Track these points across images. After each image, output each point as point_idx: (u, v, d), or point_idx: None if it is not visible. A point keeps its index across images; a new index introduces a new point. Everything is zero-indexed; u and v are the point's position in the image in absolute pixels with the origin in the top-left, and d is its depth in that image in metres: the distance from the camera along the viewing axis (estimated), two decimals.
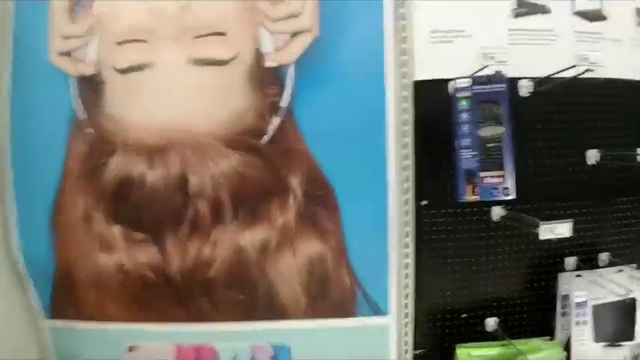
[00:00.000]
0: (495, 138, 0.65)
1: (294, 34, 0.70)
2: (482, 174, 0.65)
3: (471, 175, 0.66)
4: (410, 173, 0.72)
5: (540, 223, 0.61)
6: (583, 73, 0.62)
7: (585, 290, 0.72)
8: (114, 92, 0.72)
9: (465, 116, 0.66)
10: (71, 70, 0.72)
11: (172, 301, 0.75)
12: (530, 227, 0.64)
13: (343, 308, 0.75)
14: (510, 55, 0.70)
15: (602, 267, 0.75)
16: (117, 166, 0.72)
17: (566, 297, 0.73)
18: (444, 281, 0.75)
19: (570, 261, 0.74)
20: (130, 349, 0.79)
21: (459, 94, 0.67)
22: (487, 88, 0.66)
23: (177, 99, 0.71)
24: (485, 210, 0.72)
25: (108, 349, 0.79)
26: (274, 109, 0.70)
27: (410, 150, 0.72)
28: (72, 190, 0.74)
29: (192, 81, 0.70)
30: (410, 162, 0.72)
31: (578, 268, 0.74)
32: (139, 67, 0.70)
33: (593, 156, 0.73)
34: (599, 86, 0.71)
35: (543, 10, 0.71)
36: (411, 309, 0.76)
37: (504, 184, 0.66)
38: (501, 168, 0.65)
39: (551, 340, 0.77)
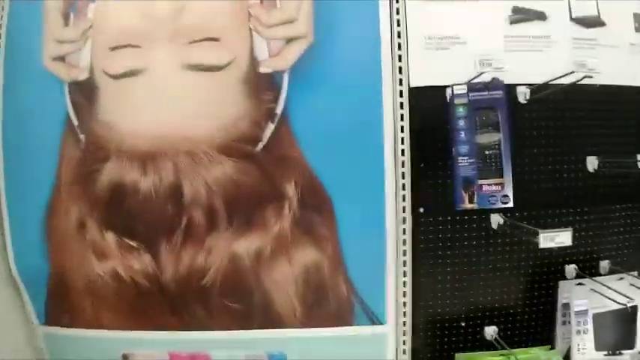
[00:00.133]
0: (493, 145, 0.65)
1: (289, 40, 0.69)
2: (480, 182, 0.65)
3: (469, 183, 0.65)
4: (407, 180, 0.71)
5: (540, 231, 0.61)
6: (581, 79, 0.62)
7: (586, 299, 0.71)
8: (107, 98, 0.71)
9: (462, 123, 0.66)
10: (64, 75, 0.72)
11: (166, 309, 0.74)
12: (529, 235, 0.63)
13: (340, 317, 0.74)
14: (507, 62, 0.69)
15: (603, 275, 0.74)
16: (110, 172, 0.71)
17: (566, 305, 0.73)
18: (442, 289, 0.74)
19: (570, 269, 0.73)
20: (125, 357, 0.78)
21: (456, 101, 0.66)
22: (484, 94, 0.66)
23: (170, 105, 0.70)
24: (483, 218, 0.71)
25: (102, 356, 0.78)
26: (269, 115, 0.69)
27: (407, 157, 0.71)
28: (65, 197, 0.73)
29: (186, 87, 0.70)
30: (407, 169, 0.71)
31: (578, 276, 0.73)
32: (132, 73, 0.70)
33: (592, 163, 0.72)
34: (597, 92, 0.70)
35: (540, 16, 0.71)
36: (408, 318, 0.75)
37: (503, 191, 0.65)
38: (500, 175, 0.65)
39: (551, 349, 0.76)
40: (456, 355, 0.75)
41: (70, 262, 0.75)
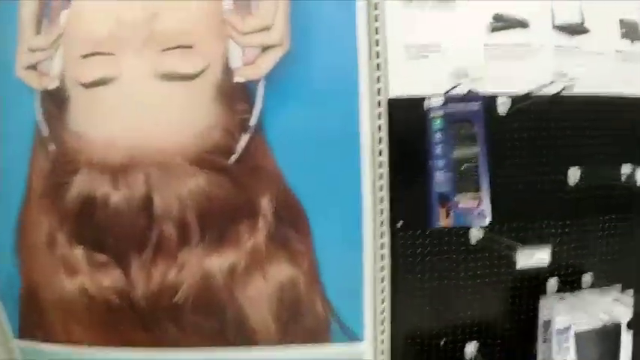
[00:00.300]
0: (470, 158, 0.63)
1: (265, 49, 0.67)
2: (456, 198, 0.63)
3: (445, 199, 0.63)
4: (385, 194, 0.69)
5: (519, 247, 0.59)
6: (562, 90, 0.60)
7: (568, 315, 0.69)
8: (78, 107, 0.69)
9: (439, 136, 0.64)
10: (36, 84, 0.70)
11: (138, 326, 0.72)
12: (509, 250, 0.62)
13: (316, 334, 0.72)
14: (487, 71, 0.68)
15: (585, 288, 0.73)
16: (80, 185, 0.69)
17: (547, 323, 0.71)
18: (421, 305, 0.72)
19: (552, 283, 0.72)
20: None
21: (432, 114, 0.65)
22: (460, 107, 0.64)
23: (142, 115, 0.68)
24: (462, 232, 0.69)
25: None
26: (243, 126, 0.67)
27: (385, 170, 0.69)
28: (35, 210, 0.71)
29: (157, 96, 0.67)
30: (385, 182, 0.69)
31: (559, 290, 0.72)
32: (103, 81, 0.67)
33: (574, 174, 0.71)
34: (580, 102, 0.69)
35: (521, 24, 0.69)
36: (387, 334, 0.73)
37: (480, 207, 0.63)
38: (477, 190, 0.63)
39: None
40: None
41: (41, 276, 0.73)
